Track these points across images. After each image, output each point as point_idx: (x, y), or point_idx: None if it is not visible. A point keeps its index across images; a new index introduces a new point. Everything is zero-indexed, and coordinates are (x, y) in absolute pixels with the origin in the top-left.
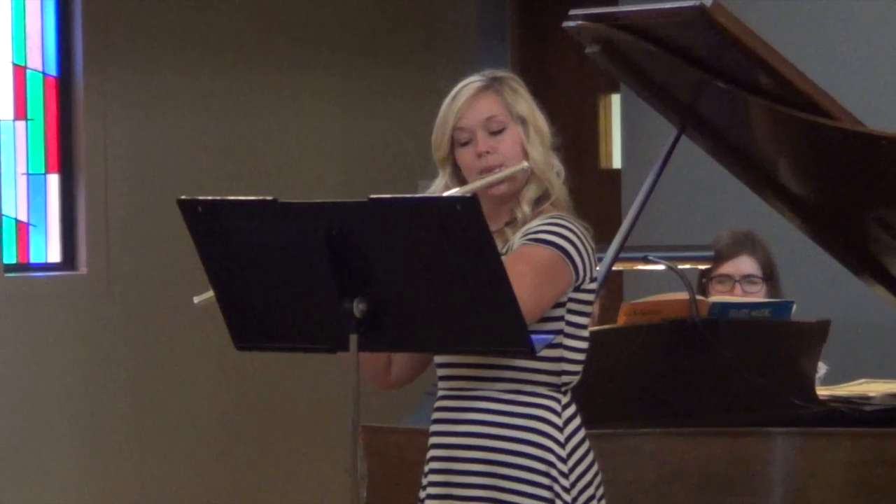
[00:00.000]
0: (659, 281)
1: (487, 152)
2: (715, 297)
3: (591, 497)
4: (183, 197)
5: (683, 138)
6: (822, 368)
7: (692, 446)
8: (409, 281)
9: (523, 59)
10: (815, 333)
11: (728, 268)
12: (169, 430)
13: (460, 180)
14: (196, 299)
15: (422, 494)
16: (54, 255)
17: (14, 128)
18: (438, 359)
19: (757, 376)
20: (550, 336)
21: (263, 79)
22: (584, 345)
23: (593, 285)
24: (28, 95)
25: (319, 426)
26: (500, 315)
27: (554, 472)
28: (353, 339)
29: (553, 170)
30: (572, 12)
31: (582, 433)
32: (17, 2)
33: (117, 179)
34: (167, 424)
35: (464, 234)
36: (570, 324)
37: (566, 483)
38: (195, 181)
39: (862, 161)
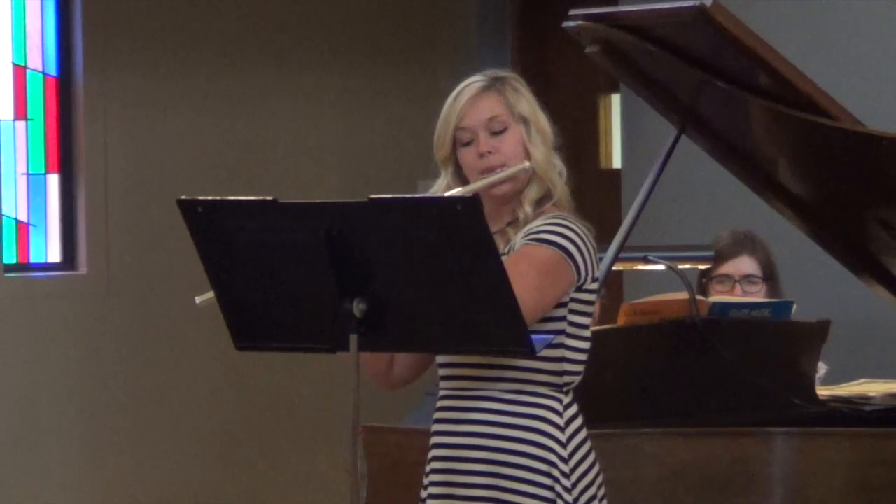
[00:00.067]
0: (659, 281)
1: (489, 152)
2: (715, 297)
3: (593, 497)
4: (183, 197)
5: (683, 138)
6: (822, 368)
7: (692, 446)
8: (409, 281)
9: (523, 59)
10: (815, 333)
11: (728, 268)
12: (169, 430)
13: (462, 180)
14: (198, 299)
15: (423, 494)
16: (54, 255)
17: (14, 128)
18: (440, 359)
19: (757, 376)
20: (550, 336)
21: (263, 79)
22: (585, 345)
23: (595, 285)
24: (28, 95)
25: (319, 426)
26: (500, 315)
27: (555, 472)
28: (353, 339)
29: (555, 170)
30: (572, 12)
31: (584, 433)
32: (17, 2)
33: (117, 179)
34: (167, 424)
35: (464, 234)
36: (571, 324)
37: (568, 483)
38: (195, 181)
39: (862, 161)
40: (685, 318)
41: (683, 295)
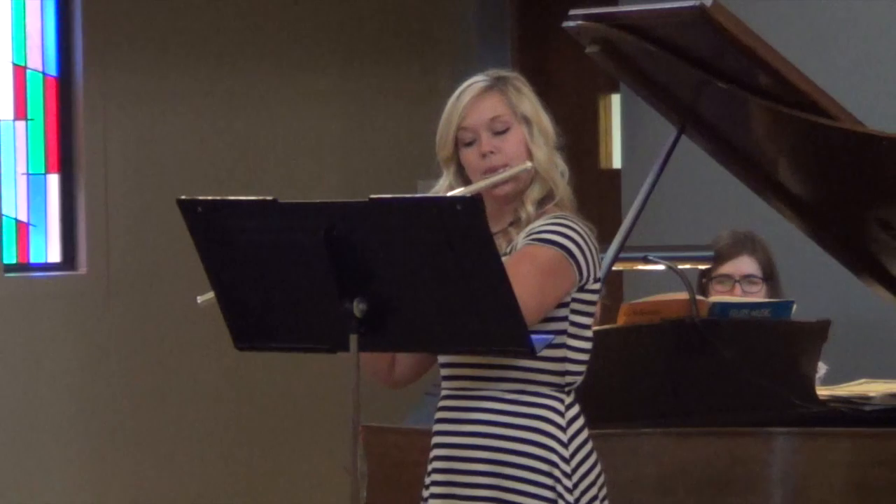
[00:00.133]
0: (659, 281)
1: (491, 152)
2: (715, 297)
3: (594, 497)
4: (183, 197)
5: (683, 138)
6: (822, 368)
7: (692, 446)
8: (409, 281)
9: (523, 60)
10: (815, 333)
11: (728, 268)
12: (169, 430)
13: (464, 180)
14: (199, 299)
15: (425, 494)
16: (54, 255)
17: (14, 128)
18: (442, 358)
19: (757, 376)
20: (550, 336)
21: (263, 79)
22: (587, 345)
23: (597, 285)
24: (28, 95)
25: (319, 426)
26: (500, 315)
27: (557, 473)
28: (353, 339)
29: (557, 170)
30: (572, 12)
31: (585, 433)
32: (17, 2)
33: (117, 179)
34: (167, 424)
35: (464, 234)
36: (573, 324)
37: (569, 483)
38: (195, 181)
39: (862, 161)
40: (685, 318)
41: (683, 295)
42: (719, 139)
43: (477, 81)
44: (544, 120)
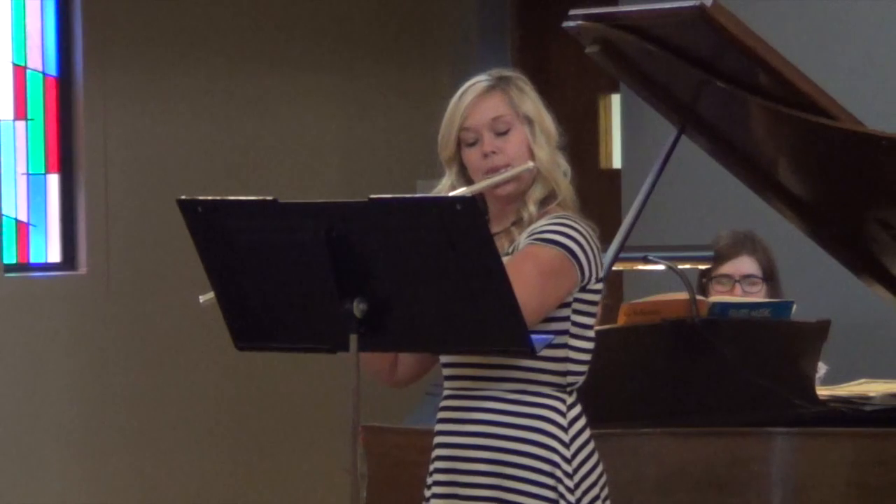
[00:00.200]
0: (659, 281)
1: (493, 152)
2: (715, 297)
3: (596, 497)
4: (183, 197)
5: (683, 138)
6: (822, 368)
7: (692, 446)
8: (409, 281)
9: (523, 59)
10: (815, 333)
11: (728, 268)
12: (169, 430)
13: (467, 180)
14: (202, 298)
15: (427, 493)
16: (54, 255)
17: (14, 128)
18: (444, 358)
19: (757, 376)
20: (550, 336)
21: (263, 79)
22: (589, 345)
23: (599, 286)
24: (28, 95)
25: (319, 426)
26: (500, 315)
27: (558, 473)
28: (353, 339)
29: (559, 170)
30: (572, 12)
31: (587, 433)
32: (17, 2)
33: (117, 179)
34: (167, 424)
35: (464, 234)
36: (575, 324)
37: (570, 483)
38: (195, 181)
39: (862, 161)
40: (685, 318)
41: (683, 295)
42: (719, 139)
43: (479, 81)
44: (546, 120)
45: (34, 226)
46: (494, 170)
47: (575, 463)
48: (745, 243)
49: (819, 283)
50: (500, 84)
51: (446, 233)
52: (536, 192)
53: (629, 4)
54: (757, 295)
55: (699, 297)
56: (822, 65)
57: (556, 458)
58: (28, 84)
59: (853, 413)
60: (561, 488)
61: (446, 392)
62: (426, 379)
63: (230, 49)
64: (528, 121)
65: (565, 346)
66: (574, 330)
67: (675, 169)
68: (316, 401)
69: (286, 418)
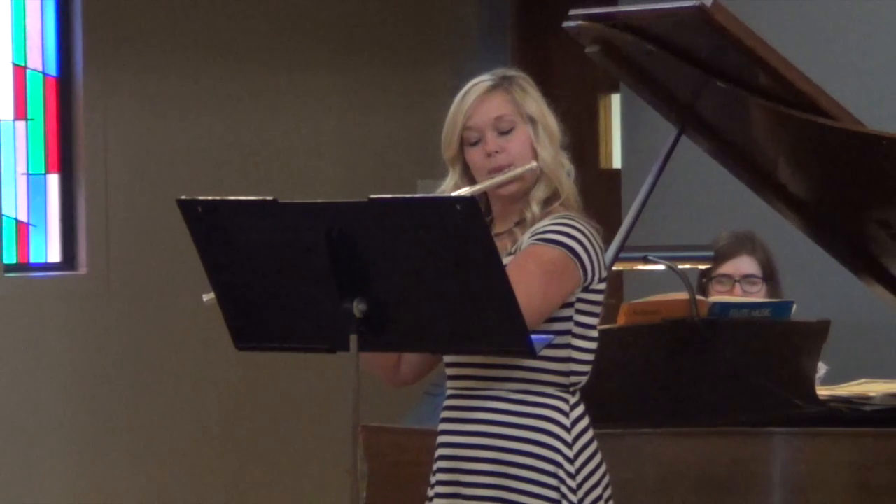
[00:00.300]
0: (659, 281)
1: (496, 152)
2: (715, 297)
3: (598, 498)
4: (183, 197)
5: (683, 138)
6: (822, 368)
7: (692, 446)
8: (409, 281)
9: (523, 59)
10: (815, 333)
11: (728, 268)
12: (169, 430)
13: (470, 179)
14: (205, 297)
15: (430, 493)
16: (54, 255)
17: (14, 128)
18: (447, 358)
19: (757, 376)
20: (550, 336)
21: (263, 79)
22: (592, 345)
23: (602, 285)
24: (28, 95)
25: (319, 426)
26: (500, 315)
27: (561, 473)
28: (353, 339)
29: (563, 169)
30: (572, 12)
31: (590, 434)
32: (17, 2)
33: (117, 179)
34: (167, 424)
35: (464, 234)
36: (578, 324)
37: (573, 484)
38: (195, 181)
39: (862, 161)
40: (685, 318)
41: (683, 295)
42: (719, 139)
43: (482, 81)
44: (549, 119)
45: (34, 226)
46: (497, 169)
47: (578, 463)
48: (744, 243)
49: (819, 283)
50: (503, 83)
51: (446, 233)
52: (539, 192)
53: (629, 4)
54: (757, 295)
55: (699, 297)
56: (822, 65)
57: (559, 458)
58: (28, 84)
59: (853, 413)
60: (564, 488)
61: (449, 392)
62: (426, 379)
63: (230, 49)
64: (532, 120)
65: (568, 346)
66: (577, 330)
67: (675, 169)
68: (316, 401)
69: (286, 418)
